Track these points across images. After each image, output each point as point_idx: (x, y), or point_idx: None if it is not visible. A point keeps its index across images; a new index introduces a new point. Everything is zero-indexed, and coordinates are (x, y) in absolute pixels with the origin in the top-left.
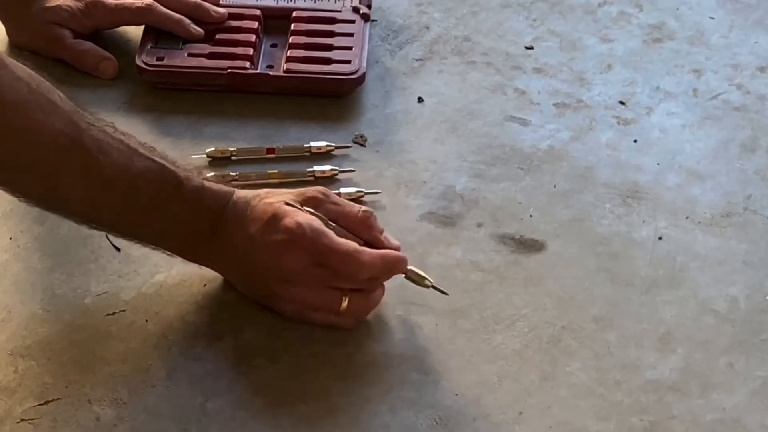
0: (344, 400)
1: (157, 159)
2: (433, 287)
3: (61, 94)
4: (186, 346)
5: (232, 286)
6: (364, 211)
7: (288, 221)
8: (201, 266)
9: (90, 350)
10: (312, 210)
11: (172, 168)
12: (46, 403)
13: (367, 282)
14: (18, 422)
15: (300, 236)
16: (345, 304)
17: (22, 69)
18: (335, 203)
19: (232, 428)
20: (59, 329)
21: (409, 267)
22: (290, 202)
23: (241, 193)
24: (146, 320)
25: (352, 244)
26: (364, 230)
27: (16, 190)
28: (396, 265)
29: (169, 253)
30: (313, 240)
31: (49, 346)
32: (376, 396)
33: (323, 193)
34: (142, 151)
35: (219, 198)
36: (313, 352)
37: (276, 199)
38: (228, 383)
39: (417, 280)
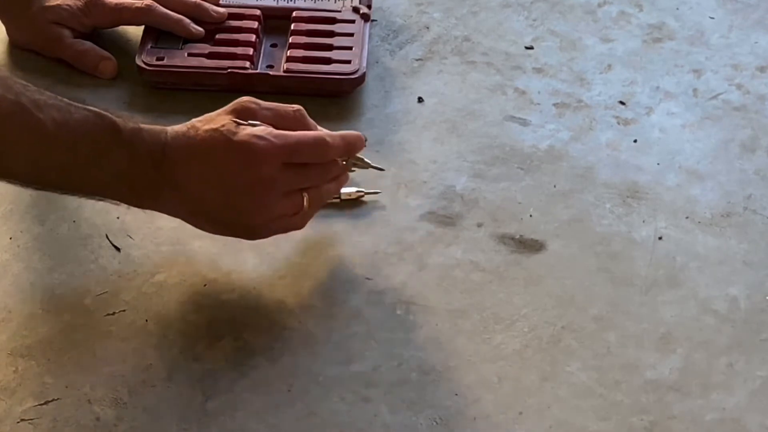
0: (344, 400)
1: (91, 108)
2: (372, 166)
3: None
4: (186, 346)
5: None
6: (296, 110)
7: (244, 136)
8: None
9: (90, 350)
10: (253, 122)
11: (107, 114)
12: (46, 403)
13: (322, 174)
14: (18, 422)
15: (264, 145)
16: (306, 202)
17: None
18: (268, 108)
19: (232, 428)
20: (59, 329)
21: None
22: (232, 121)
23: (176, 127)
24: (146, 320)
25: (312, 132)
26: (301, 127)
27: None
28: (356, 143)
29: (116, 202)
30: (277, 143)
31: (49, 346)
32: (376, 396)
33: (254, 102)
34: (77, 103)
35: (156, 135)
36: (313, 353)
37: (215, 124)
38: (228, 383)
39: (359, 163)
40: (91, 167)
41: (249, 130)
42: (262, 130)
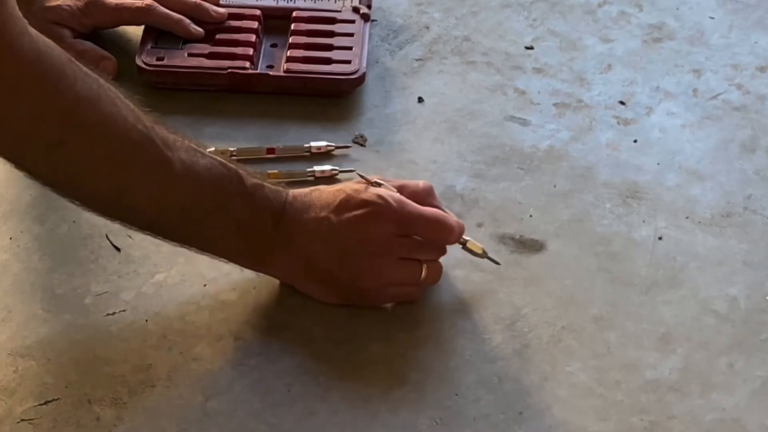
0: (344, 400)
1: (216, 156)
2: (488, 257)
3: (123, 92)
4: (186, 346)
5: (292, 288)
6: (424, 182)
7: (367, 195)
8: (252, 270)
9: (90, 350)
10: (381, 182)
11: (233, 165)
12: (46, 403)
13: (439, 250)
14: (18, 422)
15: (384, 206)
16: (424, 273)
17: (86, 65)
18: (394, 181)
19: (232, 428)
20: (59, 329)
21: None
22: (359, 182)
23: (297, 190)
24: (146, 320)
25: (436, 210)
26: (429, 199)
27: (82, 192)
28: (463, 230)
29: (224, 260)
30: (398, 209)
31: (49, 346)
32: (376, 396)
33: (381, 178)
34: (201, 149)
35: (278, 193)
36: (313, 352)
37: (342, 185)
38: (228, 383)
39: (473, 249)
40: (212, 214)
41: (374, 189)
42: (387, 192)
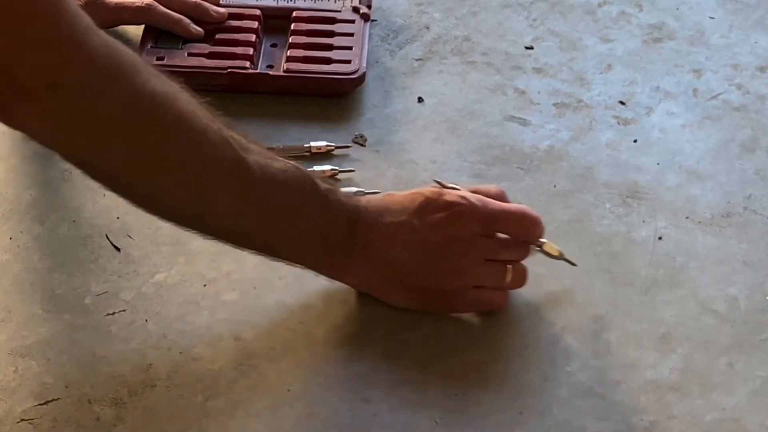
0: (344, 400)
1: (288, 161)
2: (564, 259)
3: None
4: (186, 346)
5: (366, 294)
6: (496, 186)
7: (449, 197)
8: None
9: (90, 350)
10: (457, 186)
11: (304, 169)
12: (46, 403)
13: (523, 251)
14: (18, 422)
15: (468, 206)
16: (510, 275)
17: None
18: (468, 186)
19: (232, 428)
20: (59, 329)
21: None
22: (434, 187)
23: (368, 195)
24: (146, 320)
25: (519, 205)
26: (504, 201)
27: (161, 194)
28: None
29: (301, 266)
30: (483, 207)
31: (49, 346)
32: (376, 396)
33: (456, 184)
34: (271, 152)
35: (351, 198)
36: (313, 352)
37: (413, 191)
38: (228, 383)
39: (549, 251)
40: (289, 217)
41: (454, 191)
42: (466, 193)
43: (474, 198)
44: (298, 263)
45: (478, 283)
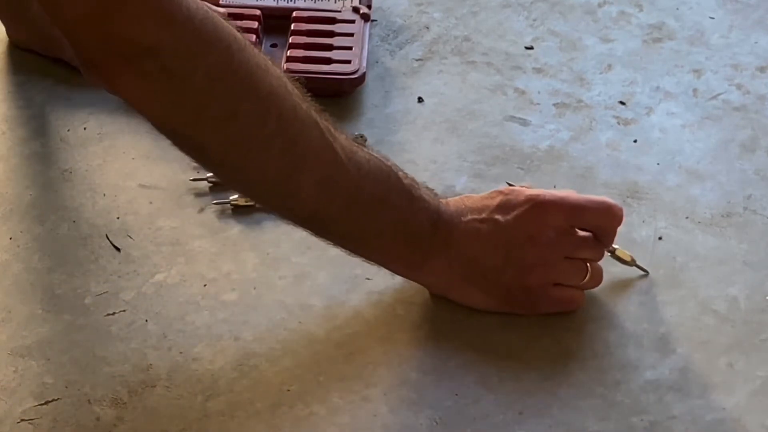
0: (344, 400)
1: (371, 151)
2: (637, 266)
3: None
4: (186, 346)
5: (439, 297)
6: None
7: (530, 192)
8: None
9: (90, 350)
10: (526, 185)
11: (388, 161)
12: (46, 403)
13: (600, 250)
14: (18, 422)
15: (550, 200)
16: (588, 275)
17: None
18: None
19: (232, 428)
20: (59, 329)
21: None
22: (509, 186)
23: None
24: (146, 320)
25: (599, 197)
26: None
27: (251, 172)
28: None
29: (373, 262)
30: (564, 199)
31: (49, 346)
32: (376, 396)
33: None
34: (356, 141)
35: (432, 196)
36: (313, 352)
37: (489, 192)
38: (228, 383)
39: (622, 256)
40: (373, 207)
41: (532, 189)
42: (542, 190)
43: (554, 192)
44: (375, 259)
45: (559, 280)
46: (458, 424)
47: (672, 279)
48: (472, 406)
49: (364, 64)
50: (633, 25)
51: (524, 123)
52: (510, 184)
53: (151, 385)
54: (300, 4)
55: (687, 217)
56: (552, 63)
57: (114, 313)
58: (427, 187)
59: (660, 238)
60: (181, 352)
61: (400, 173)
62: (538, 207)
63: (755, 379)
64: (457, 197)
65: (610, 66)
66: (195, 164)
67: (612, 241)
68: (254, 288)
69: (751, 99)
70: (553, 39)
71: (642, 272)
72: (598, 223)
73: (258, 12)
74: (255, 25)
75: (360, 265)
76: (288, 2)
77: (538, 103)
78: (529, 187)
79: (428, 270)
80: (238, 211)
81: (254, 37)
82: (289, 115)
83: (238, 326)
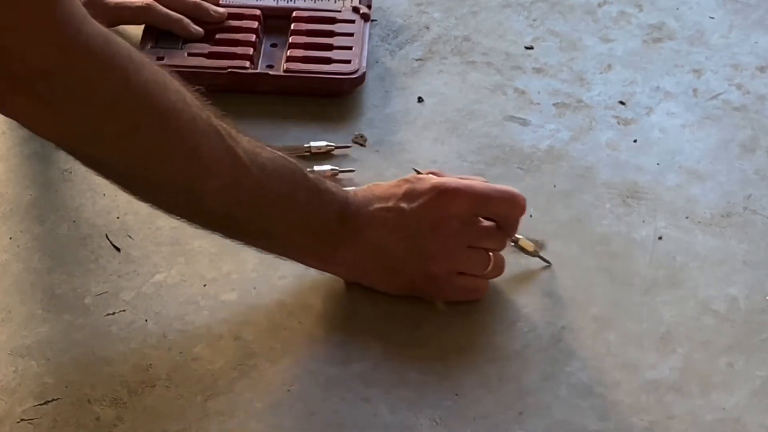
0: (344, 400)
1: (275, 150)
2: (539, 257)
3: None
4: (186, 346)
5: (356, 283)
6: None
7: (435, 180)
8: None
9: (90, 350)
10: (438, 172)
11: (293, 158)
12: (46, 403)
13: (502, 240)
14: (18, 422)
15: (454, 188)
16: (491, 264)
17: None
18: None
19: (232, 428)
20: (59, 329)
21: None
22: (416, 174)
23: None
24: (146, 320)
25: (503, 186)
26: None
27: (154, 183)
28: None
29: (285, 257)
30: (469, 187)
31: (49, 346)
32: (376, 396)
33: (436, 170)
34: (259, 141)
35: (339, 188)
36: (313, 352)
37: (397, 180)
38: (228, 383)
39: (525, 246)
40: (279, 205)
41: (439, 176)
42: (449, 177)
43: (459, 180)
44: (288, 255)
45: (462, 269)
46: (458, 424)
47: (672, 279)
48: (472, 406)
49: (364, 64)
50: (633, 25)
51: (524, 123)
52: (417, 171)
53: (151, 385)
54: (300, 4)
55: (687, 217)
56: (552, 63)
57: (114, 313)
58: (334, 179)
59: (660, 238)
60: (181, 352)
61: (305, 169)
62: (443, 195)
63: (755, 379)
64: (366, 186)
65: (610, 66)
66: None
67: (515, 231)
68: (254, 288)
69: (751, 99)
70: (553, 39)
71: (545, 263)
72: (502, 213)
73: (258, 12)
74: (255, 25)
75: None
76: (288, 2)
77: (538, 103)
78: (438, 174)
79: (339, 260)
80: None
81: (254, 36)
82: (188, 127)
83: (238, 326)
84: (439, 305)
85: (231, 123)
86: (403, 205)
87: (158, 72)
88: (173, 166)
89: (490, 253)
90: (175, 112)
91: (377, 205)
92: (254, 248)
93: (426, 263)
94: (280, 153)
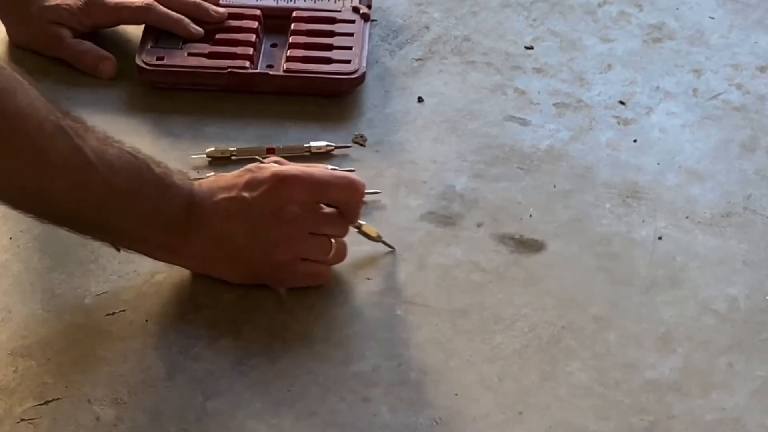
0: (344, 400)
1: (125, 146)
2: (382, 242)
3: (32, 82)
4: (186, 346)
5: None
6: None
7: (275, 169)
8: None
9: (90, 350)
10: (278, 160)
11: (140, 154)
12: (46, 403)
13: (343, 226)
14: (18, 422)
15: (293, 175)
16: (333, 250)
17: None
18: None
19: (232, 428)
20: (59, 329)
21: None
22: (257, 163)
23: (200, 179)
24: (146, 320)
25: (343, 172)
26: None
27: (3, 187)
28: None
29: (135, 251)
30: (308, 175)
31: (49, 346)
32: (376, 396)
33: (277, 160)
34: (108, 138)
35: (185, 181)
36: (313, 352)
37: (240, 169)
38: (228, 383)
39: (368, 232)
40: (126, 201)
41: (275, 165)
42: (290, 165)
43: (299, 168)
44: (137, 249)
45: (305, 255)
46: (458, 424)
47: (672, 279)
48: (472, 406)
49: (364, 64)
50: (633, 25)
51: (524, 123)
52: (260, 161)
53: (151, 384)
54: (300, 4)
55: (687, 217)
56: (552, 63)
57: (114, 313)
58: (180, 172)
59: (660, 238)
60: (180, 352)
61: (152, 162)
62: (283, 183)
63: (755, 379)
64: (211, 177)
65: (610, 66)
66: (196, 165)
67: (357, 217)
68: (254, 288)
69: (751, 99)
70: (553, 39)
71: (389, 248)
72: (342, 199)
73: (258, 12)
74: (255, 25)
75: (360, 265)
76: (288, 2)
77: (538, 103)
78: (279, 163)
79: (188, 252)
80: None
81: (254, 36)
82: (36, 130)
83: (238, 326)
84: (281, 293)
85: (81, 119)
86: (245, 194)
87: (9, 78)
88: (20, 167)
89: (332, 240)
90: (22, 116)
91: (221, 196)
92: (104, 244)
93: (269, 251)
94: (127, 148)
